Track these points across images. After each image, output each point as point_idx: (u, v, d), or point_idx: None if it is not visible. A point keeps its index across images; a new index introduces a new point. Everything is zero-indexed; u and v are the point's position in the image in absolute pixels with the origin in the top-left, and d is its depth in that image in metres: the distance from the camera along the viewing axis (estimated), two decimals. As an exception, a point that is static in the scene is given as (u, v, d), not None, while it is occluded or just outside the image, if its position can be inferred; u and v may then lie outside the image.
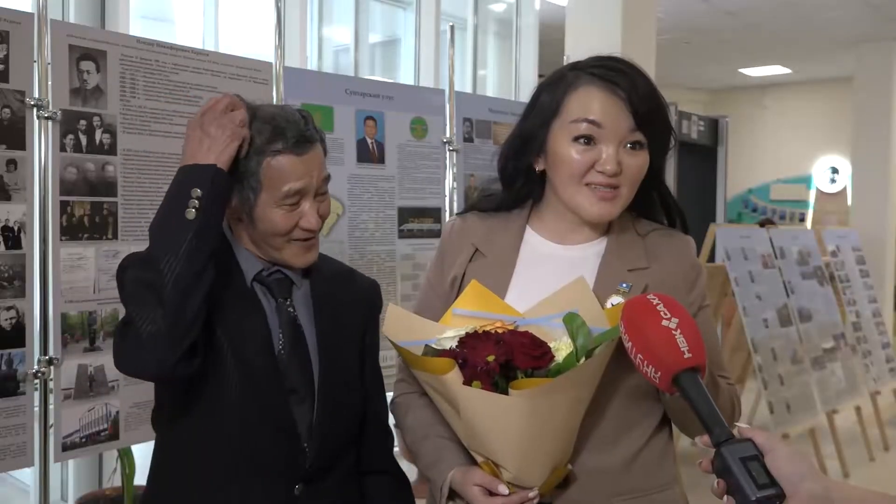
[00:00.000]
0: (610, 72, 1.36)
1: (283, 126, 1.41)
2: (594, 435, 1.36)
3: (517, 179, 1.49)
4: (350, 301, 1.58)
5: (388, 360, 3.27)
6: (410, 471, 2.84)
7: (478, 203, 1.57)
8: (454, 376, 1.26)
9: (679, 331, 1.12)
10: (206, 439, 1.42)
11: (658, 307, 1.15)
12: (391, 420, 1.63)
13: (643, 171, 1.39)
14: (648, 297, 1.18)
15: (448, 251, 1.53)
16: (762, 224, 5.97)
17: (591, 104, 1.36)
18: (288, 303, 1.49)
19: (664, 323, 1.13)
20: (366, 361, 1.60)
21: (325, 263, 1.59)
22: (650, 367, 1.13)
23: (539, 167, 1.45)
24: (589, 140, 1.35)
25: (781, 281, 4.65)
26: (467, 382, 1.26)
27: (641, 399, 1.38)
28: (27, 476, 3.56)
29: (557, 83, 1.41)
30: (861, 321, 5.43)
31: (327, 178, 1.47)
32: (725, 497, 1.01)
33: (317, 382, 1.47)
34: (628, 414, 1.38)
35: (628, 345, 1.16)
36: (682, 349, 1.11)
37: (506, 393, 1.25)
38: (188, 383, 1.38)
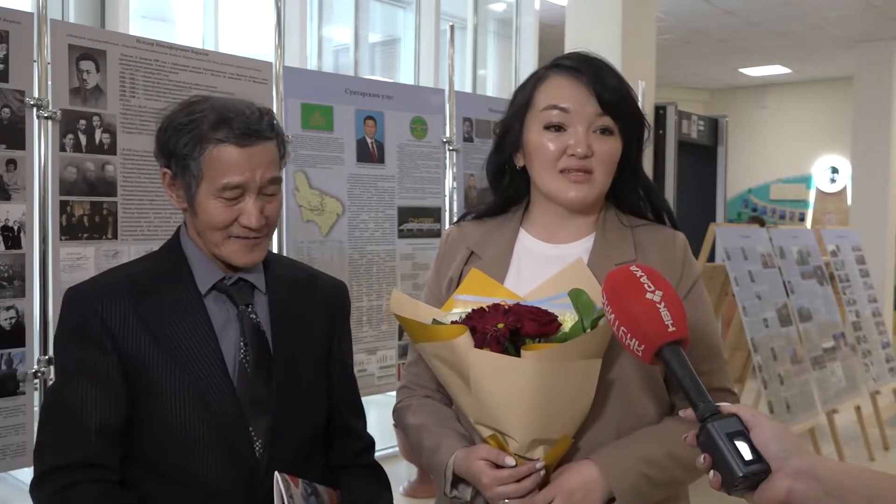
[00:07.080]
0: (574, 61, 1.44)
1: (231, 116, 1.35)
2: (596, 411, 1.36)
3: (502, 179, 1.54)
4: (312, 310, 1.52)
5: (388, 359, 3.28)
6: (410, 472, 2.84)
7: (472, 209, 1.62)
8: (465, 340, 1.26)
9: (663, 304, 1.12)
10: (162, 468, 1.37)
11: (642, 279, 1.15)
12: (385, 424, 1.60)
13: (614, 156, 1.43)
14: (632, 268, 1.18)
15: (445, 257, 1.56)
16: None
17: (557, 91, 1.43)
18: (250, 310, 1.44)
19: (648, 296, 1.12)
20: (333, 369, 1.55)
21: (285, 270, 1.54)
22: (633, 339, 1.12)
23: (520, 163, 1.49)
24: (559, 128, 1.41)
25: (781, 281, 4.65)
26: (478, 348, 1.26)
27: (645, 380, 1.39)
28: (27, 476, 3.55)
29: (529, 80, 1.50)
30: (861, 321, 5.42)
31: (276, 180, 1.39)
32: (711, 472, 1.01)
33: (275, 401, 1.42)
34: (631, 392, 1.39)
35: (611, 317, 1.16)
36: (665, 322, 1.10)
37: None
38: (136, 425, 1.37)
